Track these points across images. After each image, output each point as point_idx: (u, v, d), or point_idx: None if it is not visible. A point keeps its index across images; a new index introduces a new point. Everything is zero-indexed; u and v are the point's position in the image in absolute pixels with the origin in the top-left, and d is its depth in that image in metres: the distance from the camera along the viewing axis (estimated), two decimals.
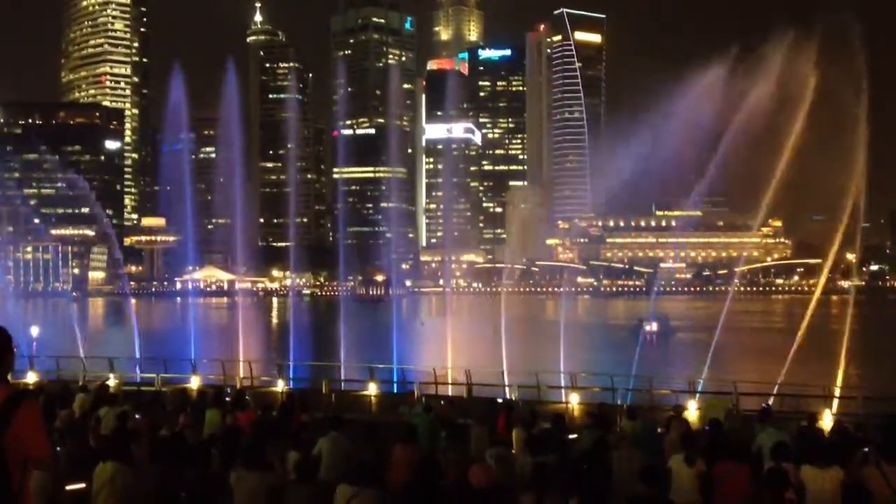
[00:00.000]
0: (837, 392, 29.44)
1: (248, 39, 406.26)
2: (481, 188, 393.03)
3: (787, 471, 10.10)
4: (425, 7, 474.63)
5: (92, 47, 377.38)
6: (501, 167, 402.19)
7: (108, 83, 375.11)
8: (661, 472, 10.56)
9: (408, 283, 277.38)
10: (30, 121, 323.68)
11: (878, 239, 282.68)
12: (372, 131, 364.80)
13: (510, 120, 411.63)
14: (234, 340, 49.74)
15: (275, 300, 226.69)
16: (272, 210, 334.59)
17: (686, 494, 10.81)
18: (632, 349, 43.87)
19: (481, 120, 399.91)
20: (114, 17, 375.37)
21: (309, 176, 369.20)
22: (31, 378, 34.47)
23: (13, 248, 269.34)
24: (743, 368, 41.74)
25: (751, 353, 55.60)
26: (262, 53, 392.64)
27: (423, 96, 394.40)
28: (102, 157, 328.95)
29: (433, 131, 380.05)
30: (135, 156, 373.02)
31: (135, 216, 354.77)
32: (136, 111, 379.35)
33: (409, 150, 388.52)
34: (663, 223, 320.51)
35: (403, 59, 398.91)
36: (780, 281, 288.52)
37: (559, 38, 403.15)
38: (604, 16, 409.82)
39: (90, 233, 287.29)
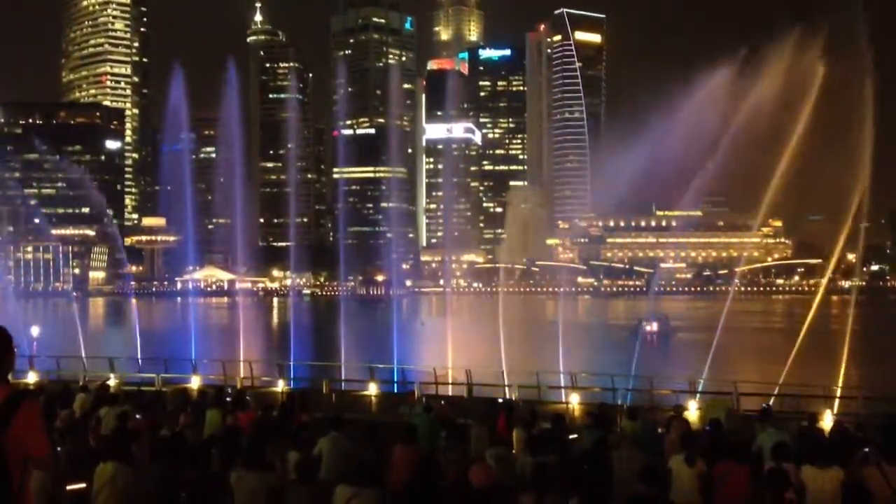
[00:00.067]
0: (838, 392, 29.43)
1: (248, 39, 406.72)
2: (481, 188, 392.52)
3: (788, 471, 10.09)
4: (425, 7, 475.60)
5: (92, 47, 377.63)
6: (501, 167, 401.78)
7: (108, 83, 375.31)
8: (662, 472, 10.56)
9: (408, 283, 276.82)
10: (30, 121, 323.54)
11: (879, 239, 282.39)
12: (372, 131, 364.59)
13: (510, 120, 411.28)
14: (234, 340, 49.77)
15: (275, 300, 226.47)
16: (272, 210, 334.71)
17: (686, 494, 10.81)
18: (632, 349, 43.88)
19: (481, 120, 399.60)
20: (114, 17, 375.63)
21: (309, 176, 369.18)
22: (31, 378, 34.52)
23: (14, 248, 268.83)
24: (743, 368, 41.82)
25: (751, 353, 55.65)
26: (262, 53, 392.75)
27: (424, 96, 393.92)
28: (103, 157, 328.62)
29: (433, 131, 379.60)
30: (135, 156, 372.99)
31: (135, 216, 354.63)
32: (136, 111, 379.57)
33: (410, 150, 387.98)
34: (663, 223, 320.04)
35: (403, 59, 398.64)
36: (780, 281, 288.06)
37: (559, 38, 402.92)
38: (604, 16, 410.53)
39: (91, 233, 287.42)
